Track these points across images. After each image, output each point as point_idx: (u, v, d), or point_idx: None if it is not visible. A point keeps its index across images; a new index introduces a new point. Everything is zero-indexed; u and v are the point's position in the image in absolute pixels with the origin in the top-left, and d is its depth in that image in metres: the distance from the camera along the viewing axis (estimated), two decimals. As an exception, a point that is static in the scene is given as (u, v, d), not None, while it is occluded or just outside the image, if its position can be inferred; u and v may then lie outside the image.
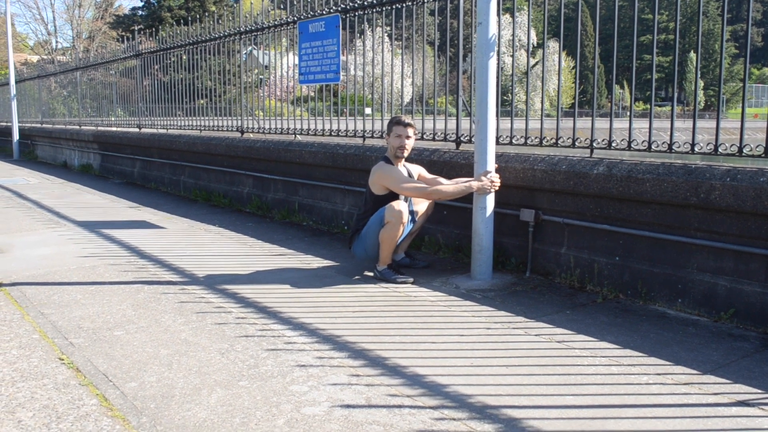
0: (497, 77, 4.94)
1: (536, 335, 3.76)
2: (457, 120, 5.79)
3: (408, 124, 5.11)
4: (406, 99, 10.39)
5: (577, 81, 5.15)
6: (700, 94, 62.23)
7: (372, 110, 7.23)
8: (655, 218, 4.27)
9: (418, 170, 5.34)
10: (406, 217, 4.90)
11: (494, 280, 4.86)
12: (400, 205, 4.87)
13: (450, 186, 4.92)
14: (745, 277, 3.89)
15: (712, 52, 70.40)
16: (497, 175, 4.83)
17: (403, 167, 5.19)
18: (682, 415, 2.77)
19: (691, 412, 2.79)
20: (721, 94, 4.23)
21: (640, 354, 3.45)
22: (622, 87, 61.66)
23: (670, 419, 2.73)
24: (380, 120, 6.75)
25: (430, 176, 5.31)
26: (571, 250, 4.78)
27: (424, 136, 6.03)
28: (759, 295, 3.81)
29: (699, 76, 4.43)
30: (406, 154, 5.15)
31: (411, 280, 4.91)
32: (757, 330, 3.79)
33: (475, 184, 4.78)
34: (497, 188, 4.82)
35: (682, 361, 3.35)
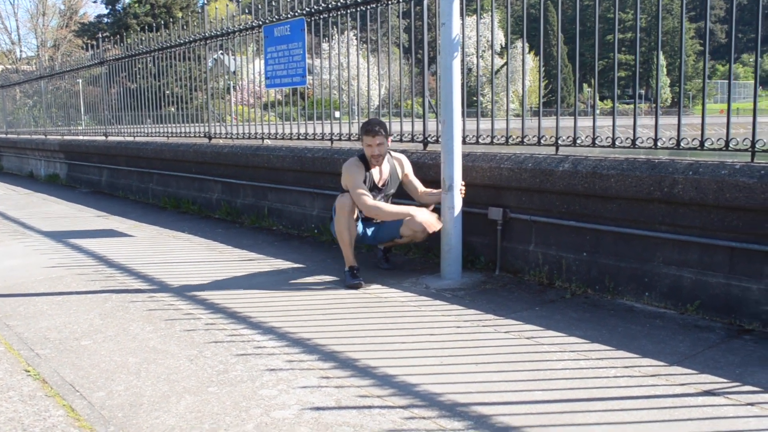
0: (462, 77, 4.97)
1: (506, 332, 3.78)
2: (424, 121, 5.81)
3: (376, 132, 5.00)
4: (375, 101, 10.40)
5: (540, 81, 5.19)
6: (667, 91, 63.04)
7: (340, 113, 7.23)
8: (620, 213, 4.32)
9: (405, 169, 5.32)
10: (348, 207, 4.88)
11: (464, 279, 4.88)
12: (344, 196, 4.91)
13: (391, 207, 4.96)
14: (709, 269, 3.94)
15: (677, 50, 71.28)
16: (436, 217, 4.89)
17: (387, 163, 5.19)
18: (650, 406, 2.79)
19: (658, 403, 2.82)
20: (682, 90, 4.29)
21: (608, 348, 3.48)
22: (590, 85, 62.19)
23: (637, 411, 2.75)
24: (348, 123, 6.75)
25: (415, 180, 5.33)
26: (539, 247, 4.81)
27: (392, 139, 6.03)
28: (723, 287, 3.86)
29: (661, 73, 4.48)
30: (381, 161, 5.11)
31: (360, 284, 4.86)
32: (722, 321, 3.84)
33: (415, 212, 4.84)
34: (437, 230, 4.87)
35: (649, 353, 3.38)
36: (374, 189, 5.17)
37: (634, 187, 4.15)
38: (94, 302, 4.67)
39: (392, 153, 5.34)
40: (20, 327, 4.17)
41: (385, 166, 5.20)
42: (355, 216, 4.96)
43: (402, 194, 5.37)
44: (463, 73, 4.99)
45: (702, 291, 3.95)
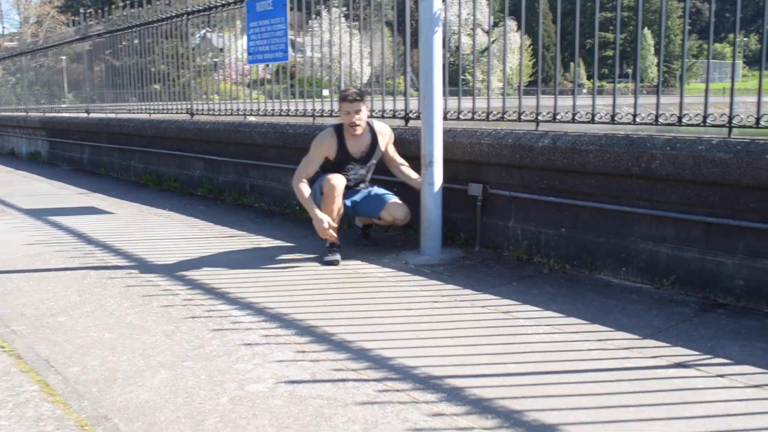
0: (444, 53, 4.93)
1: (482, 307, 3.79)
2: (405, 97, 5.78)
3: (355, 99, 4.83)
4: (359, 79, 10.36)
5: (522, 56, 5.17)
6: (654, 69, 63.07)
7: (328, 91, 7.18)
8: (599, 189, 4.32)
9: (388, 141, 5.18)
10: (339, 190, 4.80)
11: (443, 255, 4.88)
12: (335, 178, 4.81)
13: (305, 198, 4.87)
14: (685, 244, 3.96)
15: (665, 29, 70.98)
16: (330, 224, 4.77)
17: (368, 134, 5.02)
18: (621, 378, 2.82)
19: (629, 375, 2.84)
20: (660, 65, 4.29)
21: (583, 322, 3.50)
22: (579, 64, 61.99)
23: (609, 382, 2.78)
24: (329, 100, 6.71)
25: (395, 155, 5.20)
26: (519, 223, 4.82)
27: (374, 114, 5.99)
28: (698, 261, 3.88)
29: (648, 51, 4.47)
30: (359, 131, 4.93)
31: (338, 260, 4.83)
32: (697, 295, 3.87)
33: (317, 212, 4.77)
34: (329, 234, 4.78)
35: (623, 327, 3.41)
36: (350, 160, 5.05)
37: (613, 163, 4.16)
38: (72, 279, 4.65)
39: (375, 124, 5.17)
40: (-3, 303, 4.15)
41: (366, 137, 5.05)
42: (340, 195, 4.85)
43: (383, 170, 5.35)
44: (444, 47, 4.96)
45: (678, 266, 3.98)
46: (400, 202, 5.10)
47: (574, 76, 4.74)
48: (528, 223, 4.76)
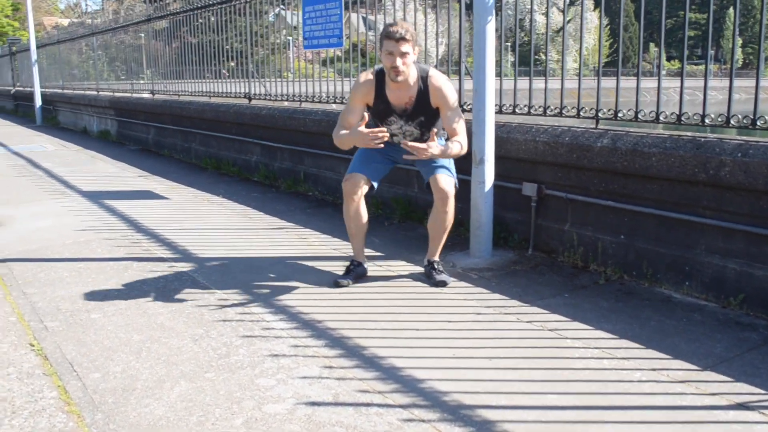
0: (500, 42, 4.65)
1: (528, 322, 3.52)
2: (460, 86, 5.49)
3: (401, 38, 3.79)
4: (429, 58, 10.08)
5: (582, 49, 4.82)
6: (739, 52, 60.35)
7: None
8: (661, 195, 3.98)
9: (440, 99, 4.02)
10: (355, 192, 4.18)
11: (494, 258, 4.61)
12: (353, 177, 4.22)
13: (341, 133, 4.14)
14: (756, 260, 3.60)
15: (750, 8, 67.81)
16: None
17: (416, 85, 4.01)
18: (673, 419, 2.53)
19: (682, 416, 2.55)
20: (733, 60, 3.91)
21: (637, 345, 3.20)
22: (658, 46, 59.78)
23: (658, 424, 2.49)
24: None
25: (452, 123, 4.04)
26: (575, 227, 4.51)
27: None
28: (771, 280, 3.53)
29: (710, 47, 4.08)
30: (401, 78, 3.91)
31: (343, 283, 4.17)
32: (767, 318, 3.51)
33: (348, 134, 4.04)
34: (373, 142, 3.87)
35: (681, 354, 3.09)
36: (391, 112, 4.13)
37: (677, 168, 3.81)
38: (114, 270, 4.60)
39: (433, 74, 4.05)
40: (36, 295, 4.12)
41: (413, 87, 4.03)
42: (360, 200, 4.26)
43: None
44: (501, 36, 4.67)
45: (747, 284, 3.62)
46: (450, 174, 4.14)
47: (638, 70, 4.36)
48: (585, 228, 4.45)
